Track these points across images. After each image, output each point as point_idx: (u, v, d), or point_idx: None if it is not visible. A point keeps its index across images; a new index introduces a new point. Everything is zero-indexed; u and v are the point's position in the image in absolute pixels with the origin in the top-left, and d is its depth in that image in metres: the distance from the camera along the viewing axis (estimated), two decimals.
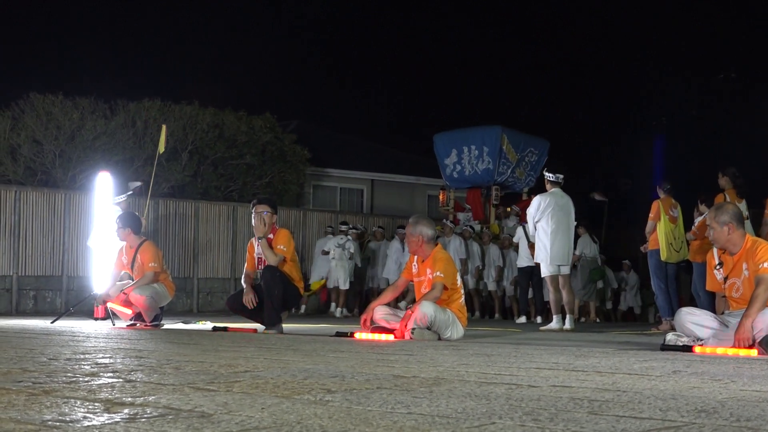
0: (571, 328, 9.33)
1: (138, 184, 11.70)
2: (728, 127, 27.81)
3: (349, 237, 14.65)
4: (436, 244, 6.65)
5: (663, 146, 27.65)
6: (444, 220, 15.18)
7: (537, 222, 9.47)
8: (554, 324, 9.31)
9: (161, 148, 11.73)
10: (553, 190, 9.47)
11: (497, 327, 10.41)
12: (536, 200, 9.60)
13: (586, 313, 14.62)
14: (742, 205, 8.75)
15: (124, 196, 11.24)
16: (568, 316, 9.48)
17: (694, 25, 35.28)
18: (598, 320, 14.62)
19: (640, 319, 16.66)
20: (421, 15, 47.02)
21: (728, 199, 8.58)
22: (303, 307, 14.85)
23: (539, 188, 9.99)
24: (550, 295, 9.62)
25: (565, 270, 9.52)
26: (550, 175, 9.55)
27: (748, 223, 8.67)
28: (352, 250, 14.60)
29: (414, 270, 6.63)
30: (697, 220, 9.26)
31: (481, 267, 14.82)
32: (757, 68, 31.21)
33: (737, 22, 34.26)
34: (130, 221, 8.47)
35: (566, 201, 9.49)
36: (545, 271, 9.49)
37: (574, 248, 14.70)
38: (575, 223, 9.93)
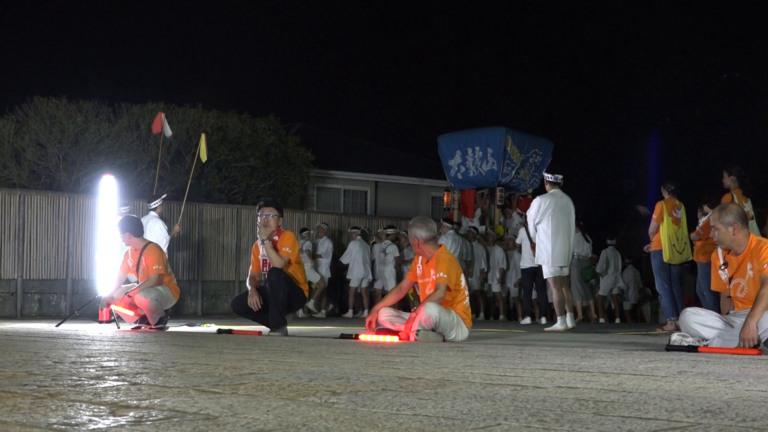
0: (572, 326, 9.36)
1: (159, 200, 12.00)
2: (730, 127, 27.77)
3: (390, 242, 14.97)
4: (440, 245, 6.66)
5: (658, 144, 27.64)
6: (441, 221, 15.21)
7: (537, 224, 9.48)
8: (559, 325, 9.31)
9: (203, 157, 12.17)
10: (552, 191, 9.49)
11: (502, 328, 10.40)
12: (536, 202, 9.61)
13: (595, 313, 14.64)
14: (748, 205, 8.73)
15: (159, 200, 11.85)
16: (568, 314, 9.51)
17: (696, 25, 35.24)
18: (602, 320, 14.63)
19: (632, 317, 16.59)
20: (424, 16, 47.03)
21: (735, 199, 8.56)
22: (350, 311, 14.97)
23: (544, 189, 10.03)
24: (553, 296, 9.62)
25: (566, 271, 9.56)
26: (549, 176, 9.59)
27: (753, 223, 8.65)
28: (396, 254, 14.74)
29: (418, 271, 6.64)
30: (702, 220, 9.25)
31: (486, 269, 14.84)
32: (759, 68, 31.14)
33: (739, 22, 34.21)
34: (129, 225, 8.48)
35: (566, 202, 9.50)
36: (547, 273, 9.50)
37: None
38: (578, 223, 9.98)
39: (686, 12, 36.57)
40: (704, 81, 30.40)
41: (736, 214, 5.25)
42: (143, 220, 11.99)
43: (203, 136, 12.41)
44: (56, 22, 40.17)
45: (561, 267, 9.44)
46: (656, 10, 38.74)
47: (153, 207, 11.77)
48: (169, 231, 11.86)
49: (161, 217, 11.82)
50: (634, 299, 16.26)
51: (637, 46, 39.14)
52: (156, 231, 11.43)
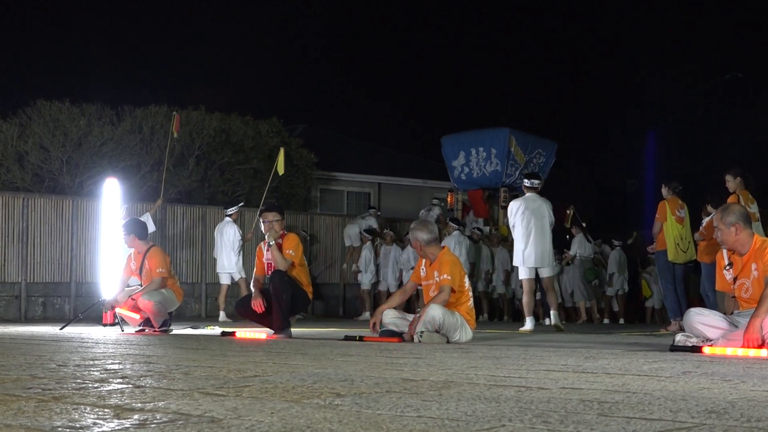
0: (557, 323, 9.51)
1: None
2: (733, 128, 27.69)
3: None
4: (443, 247, 6.65)
5: (661, 144, 27.59)
6: (448, 220, 15.21)
7: (512, 226, 9.79)
8: (528, 325, 9.36)
9: (281, 170, 12.99)
10: (528, 194, 9.78)
11: (506, 329, 10.38)
12: (510, 205, 9.97)
13: (598, 313, 14.58)
14: (754, 206, 8.70)
15: (235, 208, 12.90)
16: (552, 312, 9.65)
17: (698, 25, 35.17)
18: (606, 321, 14.59)
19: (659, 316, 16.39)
20: (427, 17, 47.00)
21: (742, 201, 8.54)
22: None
23: (546, 190, 10.17)
24: (523, 298, 9.80)
25: (546, 272, 9.70)
26: (526, 180, 9.92)
27: (758, 225, 8.62)
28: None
29: (422, 273, 6.63)
30: (705, 220, 9.24)
31: (491, 271, 14.82)
32: (762, 68, 31.03)
33: (741, 22, 34.14)
34: (134, 228, 8.49)
35: (539, 205, 9.70)
36: (521, 274, 9.75)
37: (569, 248, 14.76)
38: (555, 226, 10.15)
39: (688, 12, 36.51)
40: (707, 81, 30.33)
41: (738, 214, 5.23)
42: (219, 224, 12.95)
43: (282, 150, 13.13)
44: (59, 25, 40.25)
45: (536, 268, 9.64)
46: (658, 10, 38.68)
47: (229, 213, 12.82)
48: (243, 237, 12.80)
49: (236, 222, 12.84)
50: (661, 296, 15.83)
51: (639, 47, 39.08)
52: (230, 235, 12.59)
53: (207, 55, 42.95)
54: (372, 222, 15.64)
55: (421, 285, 6.75)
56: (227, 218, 12.81)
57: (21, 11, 40.20)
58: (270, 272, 7.43)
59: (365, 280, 15.14)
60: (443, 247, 6.63)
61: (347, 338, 6.51)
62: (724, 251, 5.42)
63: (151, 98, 19.87)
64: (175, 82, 37.66)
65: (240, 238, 12.68)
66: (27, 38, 39.38)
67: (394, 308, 6.79)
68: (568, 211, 15.02)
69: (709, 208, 9.15)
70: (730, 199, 8.67)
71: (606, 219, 24.04)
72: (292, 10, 45.54)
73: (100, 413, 2.21)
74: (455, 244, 13.42)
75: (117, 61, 39.76)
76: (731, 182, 8.90)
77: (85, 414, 2.19)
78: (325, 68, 43.72)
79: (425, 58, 46.79)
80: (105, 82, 33.83)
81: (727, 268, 5.36)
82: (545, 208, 9.73)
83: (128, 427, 2.00)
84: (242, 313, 7.64)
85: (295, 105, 38.70)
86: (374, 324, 6.54)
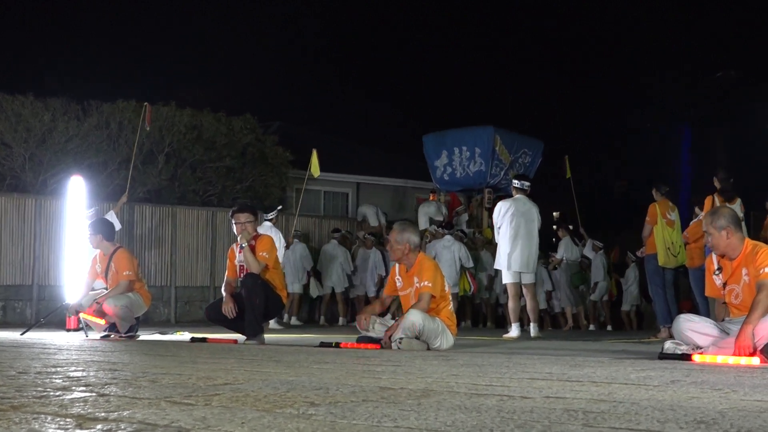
0: (535, 335, 9.37)
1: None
2: (729, 128, 27.96)
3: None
4: (419, 252, 6.56)
5: (653, 145, 27.75)
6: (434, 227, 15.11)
7: (499, 228, 9.61)
8: (513, 332, 9.30)
9: (315, 172, 12.97)
10: (517, 196, 9.68)
11: (489, 336, 10.32)
12: (498, 206, 9.82)
13: (585, 319, 14.57)
14: (736, 206, 8.64)
15: (275, 212, 12.71)
16: (532, 324, 9.58)
17: (700, 25, 35.41)
18: (592, 327, 14.51)
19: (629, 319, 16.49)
20: (407, 12, 46.99)
21: (717, 202, 8.55)
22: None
23: (533, 191, 10.03)
24: (509, 303, 9.72)
25: (528, 278, 9.58)
26: (516, 182, 9.84)
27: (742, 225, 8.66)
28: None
29: (398, 284, 6.49)
30: (692, 222, 9.23)
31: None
32: (759, 67, 31.23)
33: (742, 22, 34.46)
34: (102, 227, 8.30)
35: (528, 208, 9.61)
36: (506, 278, 9.62)
37: (555, 251, 14.72)
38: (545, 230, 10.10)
39: (688, 12, 36.74)
40: (701, 80, 30.53)
41: (728, 217, 5.18)
42: (258, 229, 12.47)
43: (314, 152, 13.03)
44: (22, 17, 39.68)
45: (520, 273, 9.52)
46: (658, 10, 38.89)
47: (269, 218, 12.53)
48: (286, 241, 12.84)
49: (275, 226, 12.53)
50: (633, 300, 15.35)
51: (639, 47, 39.18)
52: (275, 240, 12.55)
53: (178, 49, 42.55)
54: (440, 207, 15.75)
55: (398, 295, 6.63)
56: (267, 223, 12.22)
57: None
58: (242, 275, 7.31)
59: (338, 285, 14.75)
60: (419, 252, 6.52)
61: (323, 345, 6.41)
62: (714, 256, 5.36)
63: (119, 93, 19.41)
64: (145, 77, 37.36)
65: (284, 243, 12.53)
66: None
67: (375, 315, 6.68)
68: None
69: (697, 210, 9.14)
70: (706, 200, 8.72)
71: (607, 220, 24.14)
72: (292, 10, 45.06)
73: (61, 423, 2.17)
74: (442, 249, 13.28)
75: (84, 54, 39.21)
76: (716, 183, 8.95)
77: (46, 424, 2.15)
78: (301, 63, 43.50)
79: (425, 58, 46.66)
80: (71, 76, 33.28)
81: (717, 273, 5.30)
82: (534, 212, 9.62)
83: None
84: (212, 318, 7.50)
85: (270, 101, 38.40)
86: (362, 320, 6.41)
